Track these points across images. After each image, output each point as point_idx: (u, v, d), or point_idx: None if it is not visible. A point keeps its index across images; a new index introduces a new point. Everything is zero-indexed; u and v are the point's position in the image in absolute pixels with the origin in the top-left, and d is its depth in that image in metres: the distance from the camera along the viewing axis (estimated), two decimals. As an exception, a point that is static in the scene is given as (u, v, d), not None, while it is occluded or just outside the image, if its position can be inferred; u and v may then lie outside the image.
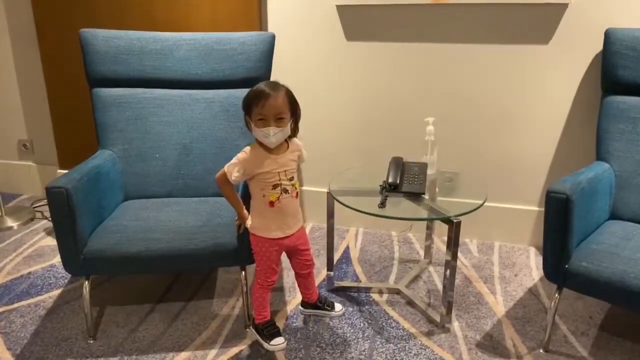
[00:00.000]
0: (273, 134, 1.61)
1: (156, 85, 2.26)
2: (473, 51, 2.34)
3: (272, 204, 1.69)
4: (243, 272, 1.93)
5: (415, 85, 2.45)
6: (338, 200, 1.91)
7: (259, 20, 2.48)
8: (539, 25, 2.23)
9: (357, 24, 2.42)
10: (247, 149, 1.68)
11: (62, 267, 1.85)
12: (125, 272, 2.13)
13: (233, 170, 1.66)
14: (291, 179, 1.71)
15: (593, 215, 1.88)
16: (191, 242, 1.80)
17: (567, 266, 1.69)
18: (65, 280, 2.23)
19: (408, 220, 1.84)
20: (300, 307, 2.03)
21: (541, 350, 1.81)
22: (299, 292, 2.00)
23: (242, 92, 2.20)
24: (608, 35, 2.07)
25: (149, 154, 2.20)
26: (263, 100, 1.59)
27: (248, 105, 1.64)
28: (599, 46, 2.15)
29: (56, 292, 2.15)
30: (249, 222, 1.75)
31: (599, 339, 1.86)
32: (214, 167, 2.19)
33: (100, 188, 1.97)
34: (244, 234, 1.78)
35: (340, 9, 2.41)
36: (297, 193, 1.75)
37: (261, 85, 1.63)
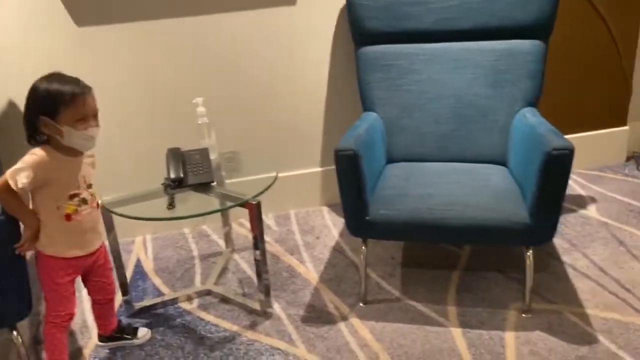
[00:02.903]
0: (96, 135, 1.41)
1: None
2: (223, 21, 2.20)
3: (69, 217, 1.41)
4: (14, 332, 1.52)
5: (173, 66, 2.21)
6: (117, 213, 1.62)
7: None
8: (283, -13, 2.20)
9: (84, 5, 2.05)
10: (37, 150, 1.37)
11: None
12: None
13: (19, 176, 1.31)
14: (89, 186, 1.46)
15: (376, 164, 1.96)
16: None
17: (367, 218, 1.72)
18: None
19: (206, 215, 1.65)
20: (98, 342, 1.73)
21: (361, 304, 1.84)
22: (95, 327, 1.69)
23: None
24: (349, -11, 2.15)
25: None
26: (81, 96, 1.36)
27: (52, 104, 1.34)
28: (342, 0, 2.21)
29: None
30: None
31: (406, 276, 1.98)
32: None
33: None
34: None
35: (59, -12, 2.02)
36: (97, 203, 1.50)
37: (59, 80, 1.36)
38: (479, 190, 1.76)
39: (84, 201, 1.44)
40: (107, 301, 1.66)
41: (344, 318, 1.78)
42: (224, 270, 2.10)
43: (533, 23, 2.01)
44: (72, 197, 1.42)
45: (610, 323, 1.67)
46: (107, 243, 1.74)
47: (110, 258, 1.68)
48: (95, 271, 1.58)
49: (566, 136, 1.58)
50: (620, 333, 1.62)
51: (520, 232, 1.63)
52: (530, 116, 1.91)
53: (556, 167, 1.53)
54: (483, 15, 2.04)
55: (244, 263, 2.14)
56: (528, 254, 1.70)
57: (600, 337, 1.61)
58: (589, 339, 1.61)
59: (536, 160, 1.56)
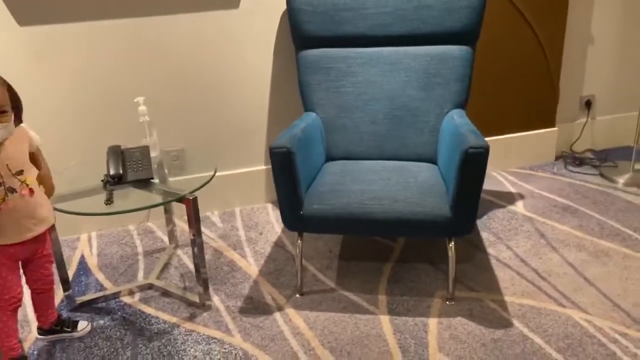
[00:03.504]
0: (2, 129, 1.39)
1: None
2: (166, 23, 2.25)
3: None
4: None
5: (116, 66, 2.25)
6: (57, 209, 1.66)
7: None
8: (227, -10, 2.27)
9: (27, 5, 2.08)
10: None
11: None
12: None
13: None
14: (19, 173, 1.45)
15: (313, 161, 2.05)
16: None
17: (302, 212, 1.81)
18: None
19: (140, 210, 1.71)
20: (37, 335, 1.76)
21: (297, 295, 1.93)
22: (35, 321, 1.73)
23: None
24: (288, -6, 2.24)
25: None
26: None
27: None
28: (284, 5, 2.30)
29: None
30: None
31: (341, 268, 2.08)
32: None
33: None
34: None
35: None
36: (30, 190, 1.48)
37: None
38: (408, 186, 1.87)
39: (11, 190, 1.44)
40: (45, 291, 1.68)
41: (280, 308, 1.87)
42: (166, 265, 2.16)
43: (461, 30, 2.14)
44: None
45: (525, 309, 1.80)
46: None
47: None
48: (36, 261, 1.61)
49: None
50: (532, 317, 1.76)
51: (442, 224, 1.74)
52: (457, 117, 2.03)
53: (472, 164, 1.65)
54: (415, 22, 2.15)
55: (187, 258, 2.20)
56: (450, 245, 1.83)
57: (515, 322, 1.74)
58: (504, 323, 1.74)
59: (456, 158, 1.68)
